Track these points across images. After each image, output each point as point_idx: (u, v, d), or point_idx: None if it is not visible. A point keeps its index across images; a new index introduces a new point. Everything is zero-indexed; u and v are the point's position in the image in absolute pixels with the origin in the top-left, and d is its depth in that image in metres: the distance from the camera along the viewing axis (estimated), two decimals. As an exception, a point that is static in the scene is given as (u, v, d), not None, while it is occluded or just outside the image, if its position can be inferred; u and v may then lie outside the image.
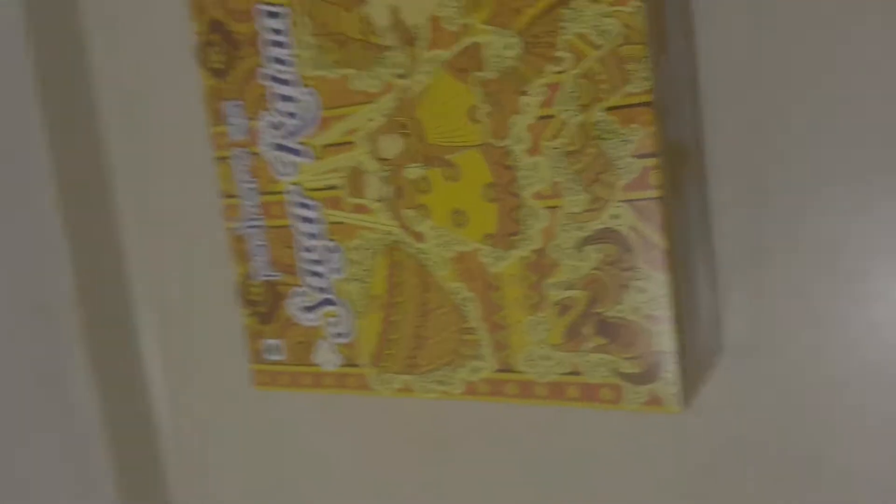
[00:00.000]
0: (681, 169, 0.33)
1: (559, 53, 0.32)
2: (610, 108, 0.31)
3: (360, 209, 0.38)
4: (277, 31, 0.38)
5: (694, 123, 0.35)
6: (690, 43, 0.35)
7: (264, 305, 0.42)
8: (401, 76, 0.35)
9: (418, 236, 0.37)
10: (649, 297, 0.32)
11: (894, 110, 0.32)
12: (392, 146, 0.36)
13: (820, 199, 0.34)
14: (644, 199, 0.31)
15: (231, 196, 0.42)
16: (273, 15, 0.38)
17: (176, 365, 0.55)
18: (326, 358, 0.41)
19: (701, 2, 0.35)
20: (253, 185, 0.41)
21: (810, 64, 0.34)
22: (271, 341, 0.43)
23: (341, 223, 0.39)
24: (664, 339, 0.32)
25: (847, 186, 0.34)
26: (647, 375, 0.33)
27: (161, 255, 0.54)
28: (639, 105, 0.31)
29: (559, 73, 0.32)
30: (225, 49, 0.40)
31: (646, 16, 0.30)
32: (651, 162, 0.31)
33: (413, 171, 0.36)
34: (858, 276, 0.34)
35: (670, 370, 0.32)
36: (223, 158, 0.42)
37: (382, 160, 0.37)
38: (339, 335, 0.40)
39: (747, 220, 0.36)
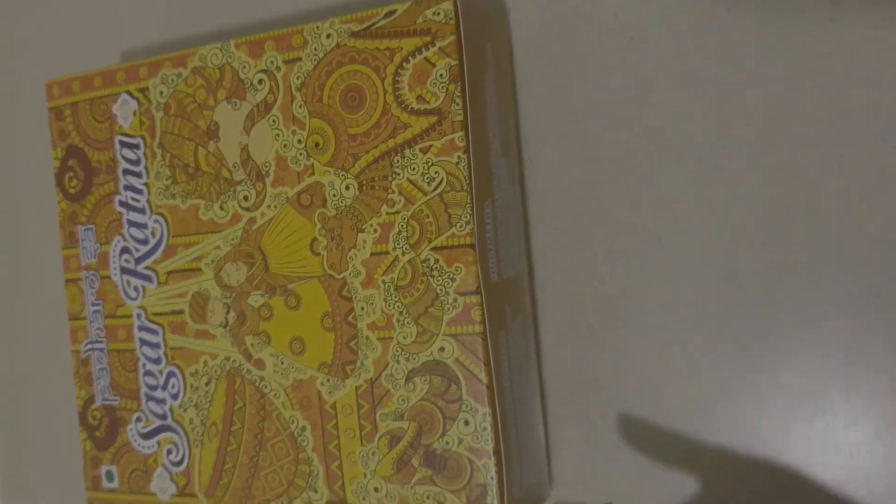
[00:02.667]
0: (507, 305, 0.36)
1: (392, 196, 0.34)
2: (437, 248, 0.34)
3: (202, 335, 0.38)
4: (133, 161, 0.40)
5: (522, 261, 0.38)
6: (517, 188, 0.38)
7: (102, 430, 0.41)
8: (248, 209, 0.37)
9: (258, 363, 0.37)
10: (473, 430, 0.33)
11: (698, 247, 0.36)
12: (237, 274, 0.38)
13: (643, 331, 0.37)
14: (468, 334, 0.33)
15: (78, 318, 0.42)
16: (129, 146, 0.40)
17: (14, 491, 0.52)
18: (162, 486, 0.40)
19: (530, 151, 0.38)
20: (99, 308, 0.41)
21: (628, 208, 0.37)
22: (108, 468, 0.41)
23: (183, 348, 0.39)
24: (488, 473, 0.33)
25: (667, 318, 0.37)
26: (471, 507, 0.33)
27: (7, 375, 0.52)
28: (462, 246, 0.33)
29: (392, 213, 0.34)
30: (82, 175, 0.41)
31: (468, 166, 0.33)
32: (474, 299, 0.33)
33: (256, 299, 0.37)
34: (684, 404, 0.37)
35: None
36: (73, 281, 0.42)
37: (227, 287, 0.38)
38: (175, 463, 0.40)
39: (575, 353, 0.38)
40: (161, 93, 0.39)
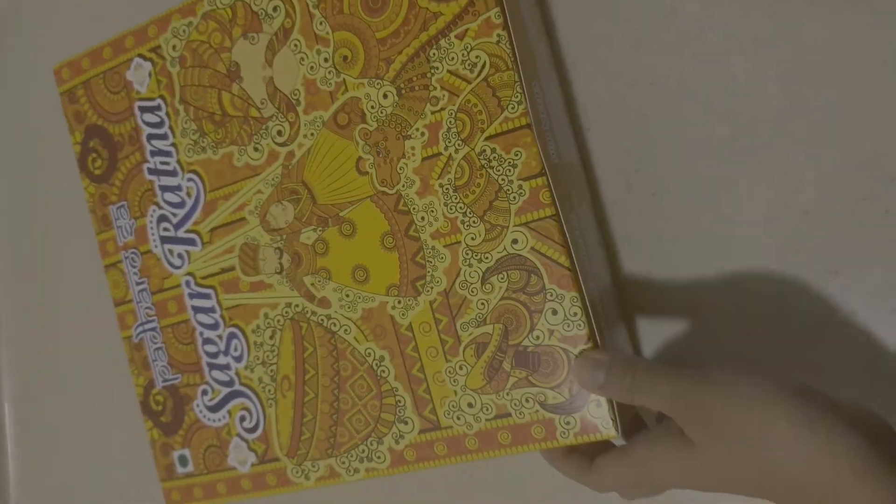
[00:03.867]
0: (573, 189, 0.34)
1: (435, 93, 0.32)
2: (491, 137, 0.32)
3: (257, 287, 0.36)
4: (155, 124, 0.38)
5: (575, 152, 0.36)
6: (557, 79, 0.36)
7: (168, 413, 0.39)
8: (284, 143, 0.35)
9: (322, 302, 0.35)
10: (563, 318, 0.31)
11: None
12: (283, 214, 0.36)
13: (706, 187, 0.35)
14: (539, 220, 0.31)
15: (124, 302, 0.40)
16: (149, 109, 0.38)
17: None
18: (240, 458, 0.38)
19: (562, 31, 0.37)
20: (145, 286, 0.39)
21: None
22: (180, 452, 0.39)
23: (239, 305, 0.37)
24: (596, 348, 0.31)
25: (730, 148, 0.34)
26: (575, 402, 0.31)
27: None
28: (518, 129, 0.31)
29: (437, 111, 0.32)
30: (105, 153, 0.40)
31: (510, 42, 0.31)
32: (539, 181, 0.31)
33: (308, 236, 0.35)
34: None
35: (597, 389, 0.31)
36: (113, 265, 0.40)
37: (275, 231, 0.36)
38: (250, 429, 0.37)
39: (639, 220, 0.36)
40: (174, 47, 0.37)
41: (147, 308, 0.39)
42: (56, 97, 0.41)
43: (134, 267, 0.39)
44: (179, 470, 0.39)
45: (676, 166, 0.35)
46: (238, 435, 0.38)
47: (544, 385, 0.31)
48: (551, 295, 0.31)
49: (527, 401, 0.32)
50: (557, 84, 0.36)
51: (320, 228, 0.35)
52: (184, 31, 0.37)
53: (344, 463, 0.35)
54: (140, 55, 0.38)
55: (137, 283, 0.39)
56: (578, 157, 0.36)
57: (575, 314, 0.31)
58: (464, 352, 0.33)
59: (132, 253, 0.39)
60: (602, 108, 0.36)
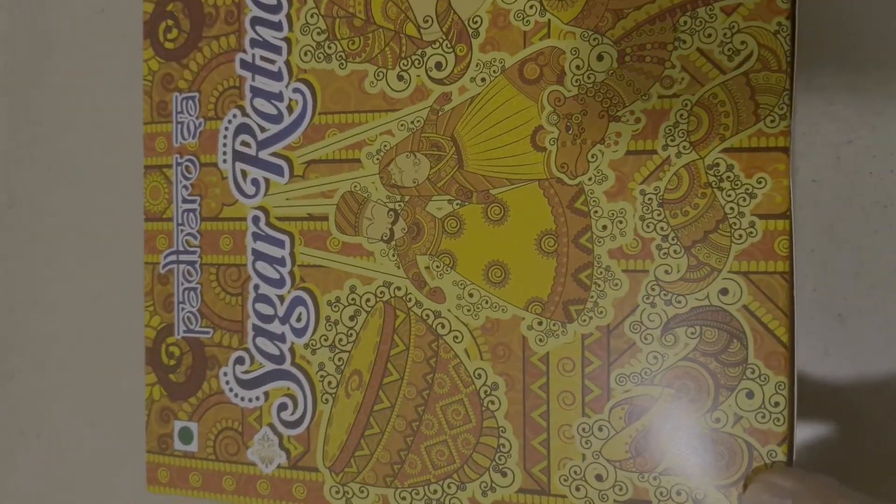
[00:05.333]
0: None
1: (671, 72, 0.24)
2: (732, 150, 0.24)
3: (352, 250, 0.28)
4: (270, 7, 0.29)
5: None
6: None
7: (182, 372, 0.31)
8: (441, 81, 0.27)
9: (434, 294, 0.27)
10: (759, 405, 0.24)
11: None
12: (414, 171, 0.27)
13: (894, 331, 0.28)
14: (766, 273, 0.24)
15: (160, 219, 0.31)
16: (268, -16, 0.29)
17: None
18: (266, 454, 0.29)
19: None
20: (195, 206, 0.30)
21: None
22: (184, 423, 0.31)
23: (320, 266, 0.28)
24: (776, 464, 0.24)
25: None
26: (740, 511, 0.24)
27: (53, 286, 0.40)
28: (772, 150, 0.24)
29: (668, 97, 0.24)
30: (186, 25, 0.30)
31: (792, 37, 0.24)
32: (780, 225, 0.24)
33: (440, 207, 0.27)
34: None
35: None
36: (157, 168, 0.31)
37: (396, 188, 0.27)
38: (291, 423, 0.29)
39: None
40: (322, -86, 0.28)
41: (190, 234, 0.30)
42: None
43: (187, 179, 0.30)
44: (178, 445, 0.31)
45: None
46: (271, 425, 0.29)
47: (707, 480, 0.24)
48: (752, 372, 0.24)
49: (678, 493, 0.25)
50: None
51: (459, 202, 0.27)
52: None
53: (405, 499, 0.27)
54: (271, -87, 0.29)
55: (186, 201, 0.30)
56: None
57: (776, 404, 0.24)
58: (611, 411, 0.25)
59: (188, 160, 0.30)
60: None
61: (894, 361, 0.29)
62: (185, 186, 0.30)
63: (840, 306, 0.29)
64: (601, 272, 0.25)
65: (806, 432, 0.30)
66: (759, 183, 0.24)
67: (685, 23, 0.24)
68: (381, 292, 0.28)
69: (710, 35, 0.24)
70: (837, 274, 0.29)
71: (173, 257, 0.31)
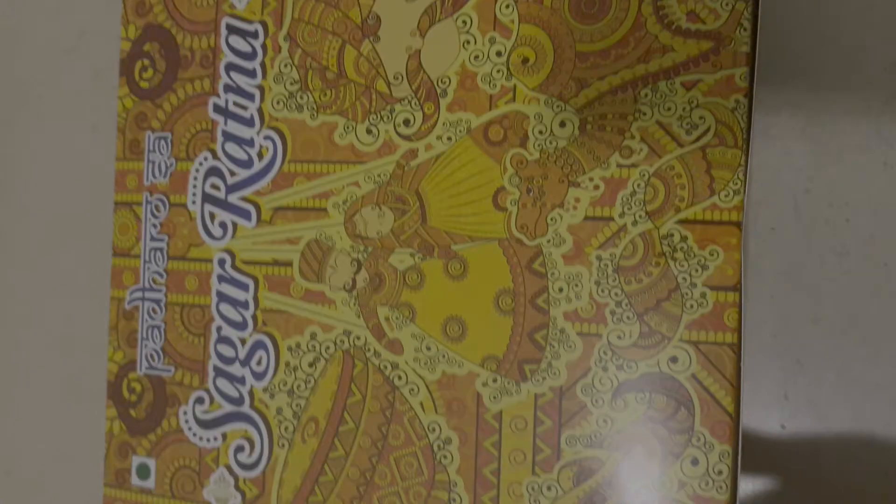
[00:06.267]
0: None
1: (630, 142, 0.25)
2: (686, 221, 0.25)
3: (314, 298, 0.28)
4: (244, 55, 0.29)
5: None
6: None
7: (142, 409, 0.31)
8: (408, 137, 0.27)
9: (393, 345, 0.27)
10: (703, 472, 0.24)
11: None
12: (378, 223, 0.28)
13: (853, 376, 0.29)
14: (715, 344, 0.24)
15: (127, 255, 0.31)
16: (241, 32, 0.29)
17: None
18: (221, 494, 0.30)
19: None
20: (162, 245, 0.31)
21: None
22: (142, 459, 0.31)
23: (283, 312, 0.29)
24: (717, 531, 0.24)
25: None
26: (681, 576, 0.24)
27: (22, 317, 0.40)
28: (725, 223, 0.24)
29: (627, 167, 0.25)
30: (162, 66, 0.31)
31: (748, 115, 0.24)
32: (730, 297, 0.24)
33: (402, 259, 0.27)
34: None
35: (721, 574, 0.24)
36: (127, 204, 0.31)
37: (360, 238, 0.28)
38: (247, 466, 0.29)
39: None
40: (300, -33, 0.29)
41: (156, 273, 0.31)
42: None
43: (155, 217, 0.31)
44: (135, 481, 0.31)
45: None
46: (228, 466, 0.30)
47: (652, 544, 0.25)
48: (698, 440, 0.24)
49: (622, 555, 0.25)
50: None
51: (420, 255, 0.27)
52: (319, -48, 0.28)
53: (355, 547, 0.28)
54: (250, -38, 0.29)
55: (153, 239, 0.31)
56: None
57: (720, 472, 0.24)
58: (560, 471, 0.26)
59: (158, 199, 0.31)
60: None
61: (852, 406, 0.29)
62: (153, 225, 0.31)
63: (798, 352, 0.30)
64: (556, 334, 0.26)
65: (764, 478, 0.30)
66: (712, 255, 0.24)
67: (646, 95, 0.25)
68: (341, 340, 0.28)
69: (669, 108, 0.25)
70: (796, 320, 0.30)
71: (139, 294, 0.31)
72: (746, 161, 0.24)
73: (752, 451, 0.30)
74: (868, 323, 0.29)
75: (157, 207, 0.31)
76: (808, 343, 0.30)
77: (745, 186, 0.24)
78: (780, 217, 0.30)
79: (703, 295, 0.24)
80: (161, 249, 0.31)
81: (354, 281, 0.28)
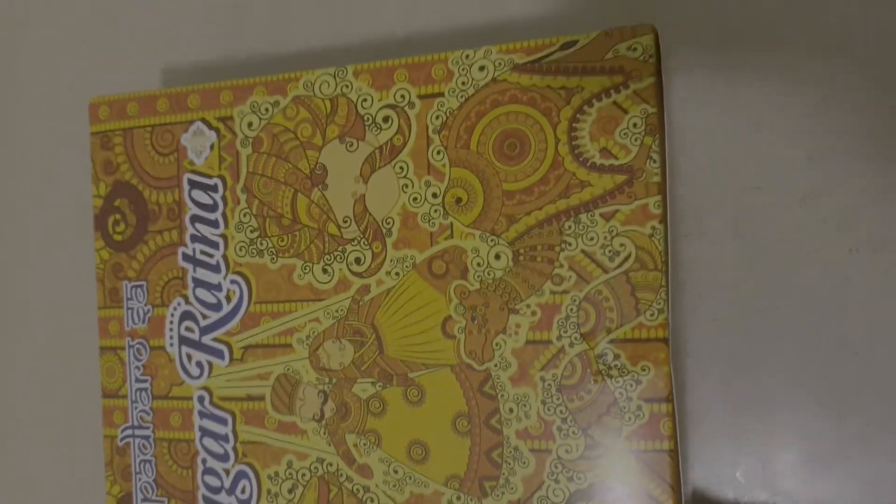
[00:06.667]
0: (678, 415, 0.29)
1: (560, 271, 0.27)
2: (618, 341, 0.27)
3: (287, 429, 0.31)
4: (207, 207, 0.32)
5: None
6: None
7: (140, 540, 0.33)
8: (360, 274, 0.30)
9: (363, 470, 0.29)
10: (655, 572, 0.26)
11: None
12: (340, 355, 0.30)
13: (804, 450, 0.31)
14: (654, 451, 0.26)
15: (115, 396, 0.34)
16: (202, 187, 0.32)
17: None
18: None
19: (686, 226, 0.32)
20: (146, 386, 0.33)
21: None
22: (143, 589, 0.33)
23: (260, 443, 0.31)
24: None
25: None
26: None
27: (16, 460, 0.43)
28: (652, 340, 0.26)
29: (559, 293, 0.27)
30: (132, 220, 0.33)
31: (665, 240, 0.26)
32: (664, 408, 0.26)
33: (364, 389, 0.29)
34: None
35: None
36: (112, 349, 0.34)
37: (324, 371, 0.30)
38: (240, 588, 0.31)
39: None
40: (250, 124, 0.31)
41: (143, 412, 0.33)
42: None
43: (138, 360, 0.33)
44: None
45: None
46: (222, 591, 0.31)
47: None
48: (648, 542, 0.26)
49: None
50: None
51: (381, 384, 0.29)
52: (267, 109, 0.31)
53: None
54: (204, 120, 0.32)
55: (138, 381, 0.33)
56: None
57: (671, 572, 0.26)
58: (526, 578, 0.27)
59: (139, 343, 0.33)
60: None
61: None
62: (137, 367, 0.33)
63: (750, 432, 0.32)
64: (510, 451, 0.28)
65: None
66: (644, 370, 0.26)
67: (569, 227, 0.27)
68: (315, 468, 0.30)
69: (592, 238, 0.27)
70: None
71: (129, 431, 0.33)
72: (667, 282, 0.26)
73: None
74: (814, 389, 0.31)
75: (138, 351, 0.33)
76: (758, 423, 0.31)
77: (667, 305, 0.26)
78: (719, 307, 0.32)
79: (640, 407, 0.26)
80: (146, 389, 0.33)
81: (323, 411, 0.30)
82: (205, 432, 0.32)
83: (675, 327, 0.30)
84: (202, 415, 0.32)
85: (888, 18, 0.29)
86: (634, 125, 0.26)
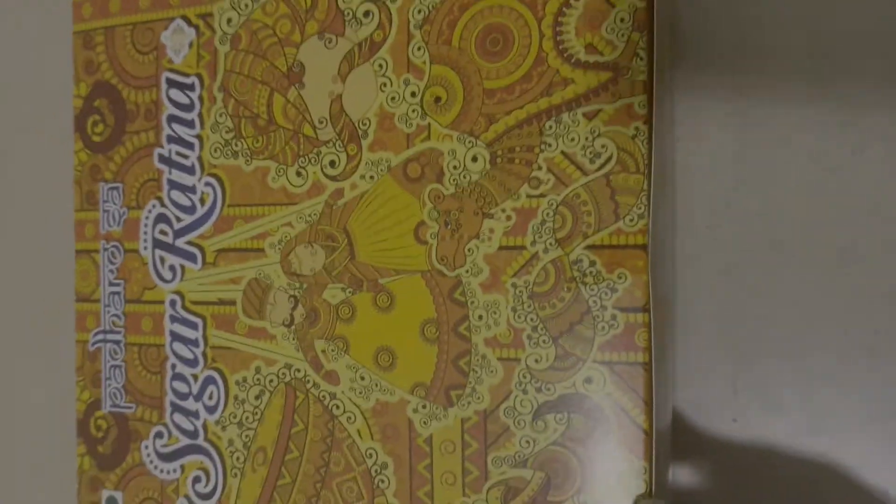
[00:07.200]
0: (667, 330, 0.28)
1: (538, 174, 0.26)
2: (594, 247, 0.25)
3: (257, 334, 0.30)
4: (184, 106, 0.31)
5: (672, 278, 0.30)
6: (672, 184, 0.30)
7: (108, 444, 0.33)
8: (334, 177, 0.29)
9: (330, 376, 0.29)
10: (620, 486, 0.25)
11: None
12: (311, 260, 0.29)
13: (800, 366, 0.29)
14: (627, 364, 0.25)
15: (89, 300, 0.33)
16: (180, 86, 0.31)
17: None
18: (182, 524, 0.31)
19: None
20: (119, 290, 0.32)
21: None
22: (111, 493, 0.32)
23: (229, 349, 0.30)
24: (637, 545, 0.25)
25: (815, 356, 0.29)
26: (609, 589, 0.25)
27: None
28: (630, 247, 0.25)
29: (536, 197, 0.26)
30: (111, 120, 0.32)
31: (649, 141, 0.25)
32: (640, 317, 0.25)
33: (334, 294, 0.29)
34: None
35: (643, 587, 0.25)
36: (87, 252, 0.33)
37: (296, 276, 0.29)
38: (204, 495, 0.31)
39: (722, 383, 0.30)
40: (229, 20, 0.30)
41: (115, 316, 0.32)
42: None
43: (112, 263, 0.32)
44: (105, 514, 0.33)
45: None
46: (187, 496, 0.31)
47: (578, 560, 0.25)
48: (615, 455, 0.25)
49: (550, 571, 0.26)
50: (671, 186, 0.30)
51: (351, 290, 0.28)
52: (246, 5, 0.30)
53: (306, 571, 0.29)
54: (184, 17, 0.31)
55: (111, 284, 0.32)
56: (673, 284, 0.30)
57: (637, 487, 0.25)
58: (488, 491, 0.27)
59: (114, 246, 0.32)
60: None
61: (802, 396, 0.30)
62: (111, 271, 0.32)
63: (745, 347, 0.30)
64: (478, 360, 0.27)
65: (718, 471, 0.31)
66: (620, 278, 0.25)
67: (550, 127, 0.26)
68: (283, 374, 0.29)
69: (573, 139, 0.26)
70: (738, 317, 0.30)
71: (101, 336, 0.33)
72: (649, 185, 0.25)
73: (705, 447, 0.31)
74: (811, 312, 0.30)
75: (113, 254, 0.32)
76: (754, 337, 0.30)
77: (649, 210, 0.25)
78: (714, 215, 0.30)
79: (614, 317, 0.25)
80: (119, 293, 0.32)
81: (293, 316, 0.29)
82: (175, 337, 0.31)
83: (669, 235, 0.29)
84: (173, 319, 0.31)
85: None
86: (622, 20, 0.25)
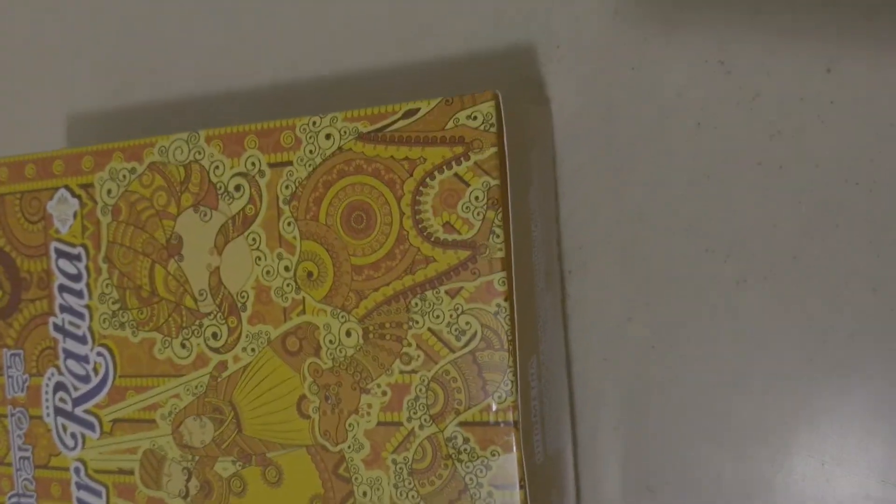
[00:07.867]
0: (552, 489, 0.27)
1: (408, 350, 0.26)
2: (467, 424, 0.25)
3: (156, 503, 0.30)
4: (72, 276, 0.31)
5: (567, 424, 0.30)
6: (560, 322, 0.30)
7: None
8: (217, 350, 0.29)
9: (227, 550, 0.29)
10: None
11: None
12: (201, 432, 0.29)
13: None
14: (505, 540, 0.25)
15: (2, 463, 0.33)
16: (68, 256, 0.31)
17: None
18: None
19: (572, 262, 0.30)
20: (28, 455, 0.33)
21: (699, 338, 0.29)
22: None
23: (132, 518, 0.30)
24: None
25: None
26: None
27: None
28: (500, 424, 0.25)
29: (408, 373, 0.26)
30: (8, 287, 0.33)
31: (511, 318, 0.25)
32: (515, 495, 0.25)
33: (225, 467, 0.29)
34: None
35: None
36: (-6, 416, 0.33)
37: (188, 448, 0.29)
38: None
39: None
40: (109, 192, 0.30)
41: (27, 480, 0.33)
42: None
43: (20, 429, 0.33)
44: None
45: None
46: None
47: None
48: None
49: None
50: (560, 326, 0.30)
51: (241, 463, 0.28)
52: (124, 176, 0.30)
53: None
54: (67, 187, 0.31)
55: (21, 449, 0.33)
56: (570, 430, 0.30)
57: None
58: None
59: (20, 412, 0.33)
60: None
61: None
62: (19, 436, 0.33)
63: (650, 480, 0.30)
64: (366, 535, 0.27)
65: None
66: (493, 455, 0.25)
67: (416, 304, 0.26)
68: (183, 545, 0.29)
69: (438, 316, 0.26)
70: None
71: (15, 500, 0.33)
72: (515, 362, 0.25)
73: None
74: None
75: (19, 420, 0.33)
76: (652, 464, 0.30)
77: (516, 387, 0.25)
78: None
79: (490, 494, 0.25)
80: (28, 458, 0.33)
81: (188, 488, 0.29)
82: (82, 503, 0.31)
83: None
84: (79, 486, 0.31)
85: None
86: (476, 198, 0.25)
